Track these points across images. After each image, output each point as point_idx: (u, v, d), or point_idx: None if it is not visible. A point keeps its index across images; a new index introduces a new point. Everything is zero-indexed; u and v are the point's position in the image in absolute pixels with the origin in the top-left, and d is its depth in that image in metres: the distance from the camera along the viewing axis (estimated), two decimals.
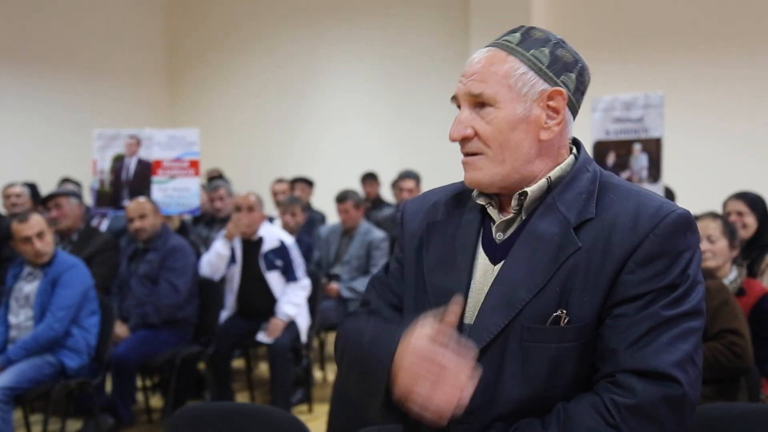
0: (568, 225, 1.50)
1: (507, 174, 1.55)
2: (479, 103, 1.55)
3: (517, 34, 1.58)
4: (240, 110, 10.51)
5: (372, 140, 9.32)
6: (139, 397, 5.34)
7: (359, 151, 9.30)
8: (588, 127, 5.65)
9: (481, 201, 1.62)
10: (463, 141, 1.58)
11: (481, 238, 1.61)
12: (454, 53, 8.51)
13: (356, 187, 7.57)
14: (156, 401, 5.58)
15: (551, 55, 1.55)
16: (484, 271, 1.58)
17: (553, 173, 1.57)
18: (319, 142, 9.79)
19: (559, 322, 1.47)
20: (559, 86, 1.54)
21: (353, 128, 9.51)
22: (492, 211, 1.61)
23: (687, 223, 1.49)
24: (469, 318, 1.56)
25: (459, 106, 1.61)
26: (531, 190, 1.55)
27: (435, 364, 1.41)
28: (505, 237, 1.58)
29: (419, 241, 1.69)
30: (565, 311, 1.47)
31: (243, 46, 10.49)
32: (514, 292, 1.50)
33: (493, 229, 1.60)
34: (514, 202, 1.57)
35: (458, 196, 1.69)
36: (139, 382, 5.29)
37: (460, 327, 1.55)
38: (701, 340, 1.47)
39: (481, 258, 1.59)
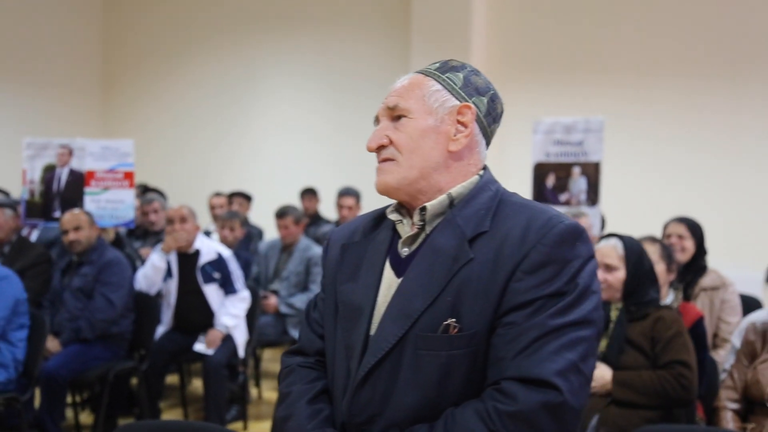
0: (464, 237, 1.58)
1: (414, 179, 1.65)
2: (396, 116, 1.68)
3: (437, 63, 1.75)
4: (176, 122, 10.35)
5: (311, 155, 9.29)
6: (69, 413, 5.19)
7: (298, 166, 9.26)
8: (529, 149, 5.76)
9: (392, 217, 1.71)
10: (379, 150, 1.69)
11: (389, 254, 1.69)
12: (395, 69, 8.52)
13: (295, 202, 7.53)
14: (86, 417, 5.44)
15: (465, 79, 1.70)
16: (389, 285, 1.66)
17: (455, 190, 1.66)
18: (258, 156, 9.72)
19: (449, 331, 1.54)
20: (469, 103, 1.66)
21: (292, 142, 9.47)
22: (401, 227, 1.70)
23: (575, 233, 1.56)
24: (374, 330, 1.64)
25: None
26: (431, 205, 1.65)
27: None
28: (410, 251, 1.66)
29: (336, 264, 1.78)
30: (455, 320, 1.54)
31: (180, 56, 10.36)
32: (411, 302, 1.58)
33: (399, 245, 1.68)
34: (416, 218, 1.67)
35: (378, 218, 1.79)
36: (69, 398, 5.13)
37: (366, 338, 1.63)
38: (594, 347, 1.53)
39: (387, 272, 1.68)
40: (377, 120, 1.73)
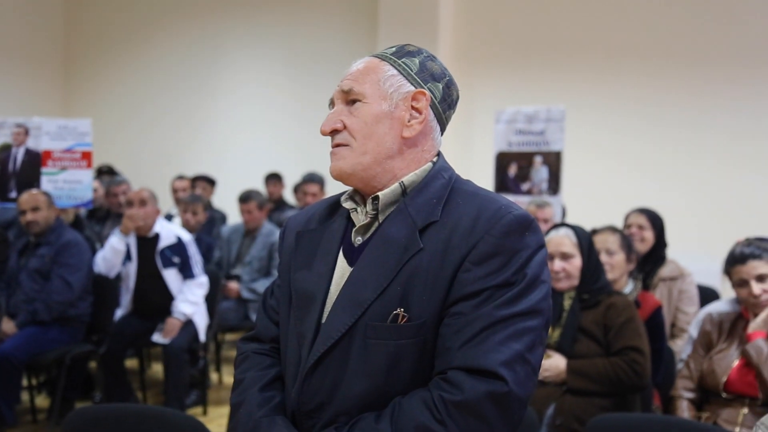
0: (415, 227, 1.58)
1: (368, 165, 1.64)
2: (351, 100, 1.67)
3: (393, 48, 1.74)
4: (139, 103, 10.21)
5: (276, 140, 9.22)
6: (24, 396, 5.12)
7: (263, 151, 9.19)
8: (491, 139, 5.78)
9: (347, 205, 1.71)
10: (333, 134, 1.68)
11: (343, 243, 1.69)
12: (362, 55, 8.28)
13: (259, 187, 7.49)
14: (42, 401, 5.37)
15: (421, 64, 1.69)
16: (342, 274, 1.65)
17: (407, 178, 1.65)
18: (222, 139, 9.63)
19: (397, 320, 1.54)
20: (424, 89, 1.65)
21: (257, 127, 9.39)
22: (355, 216, 1.70)
23: (524, 223, 1.56)
24: (326, 318, 1.64)
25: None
26: (383, 194, 1.64)
27: None
28: (363, 241, 1.66)
29: (291, 251, 1.78)
30: (403, 309, 1.54)
31: (143, 36, 10.20)
32: (361, 292, 1.58)
33: (353, 234, 1.68)
34: (369, 207, 1.66)
35: (333, 206, 1.78)
36: (24, 381, 5.06)
37: (318, 327, 1.63)
38: (542, 337, 1.54)
39: (341, 261, 1.67)
40: (332, 103, 1.72)
